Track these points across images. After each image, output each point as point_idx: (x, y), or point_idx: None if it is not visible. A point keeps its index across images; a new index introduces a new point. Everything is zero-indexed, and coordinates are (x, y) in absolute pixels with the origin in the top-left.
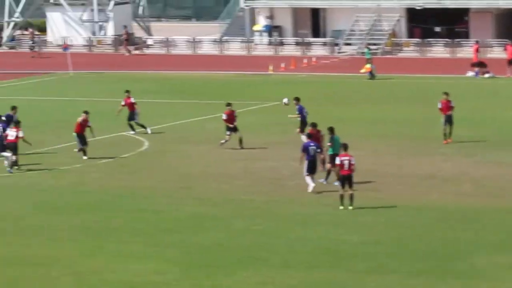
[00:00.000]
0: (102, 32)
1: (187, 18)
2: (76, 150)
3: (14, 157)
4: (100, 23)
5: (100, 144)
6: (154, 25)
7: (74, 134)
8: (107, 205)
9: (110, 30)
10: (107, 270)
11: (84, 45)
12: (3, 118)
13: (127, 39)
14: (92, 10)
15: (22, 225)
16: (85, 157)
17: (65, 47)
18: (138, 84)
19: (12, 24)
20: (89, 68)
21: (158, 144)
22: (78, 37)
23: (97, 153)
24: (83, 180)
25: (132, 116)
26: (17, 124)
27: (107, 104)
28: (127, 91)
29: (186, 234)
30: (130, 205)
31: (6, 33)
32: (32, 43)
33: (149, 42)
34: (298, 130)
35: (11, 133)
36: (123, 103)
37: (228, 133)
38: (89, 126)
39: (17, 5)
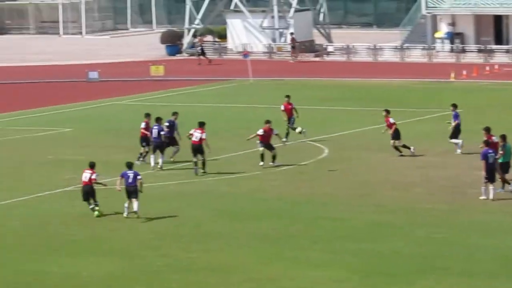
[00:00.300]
0: (282, 39)
1: (368, 25)
2: (272, 163)
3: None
4: (281, 30)
5: (280, 151)
6: (335, 32)
7: (259, 143)
8: (285, 212)
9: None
10: (285, 277)
11: (264, 52)
12: (166, 124)
13: (293, 46)
14: (273, 17)
15: (201, 231)
16: (271, 163)
17: (245, 54)
18: (318, 91)
19: (192, 31)
20: (269, 75)
21: (337, 151)
22: (258, 44)
23: (278, 160)
24: (262, 187)
25: (289, 121)
26: (201, 126)
27: None
28: (287, 96)
29: (364, 241)
30: (308, 213)
31: (186, 40)
32: (201, 50)
33: (330, 49)
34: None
35: (196, 135)
36: (282, 108)
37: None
38: (276, 134)
39: (198, 12)
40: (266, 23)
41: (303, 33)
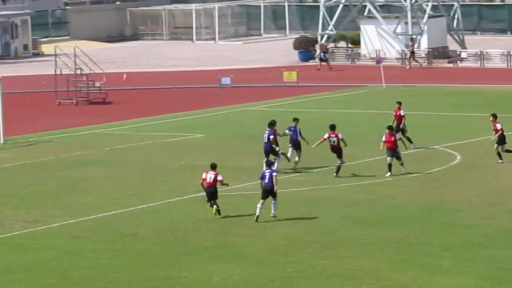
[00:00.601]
0: (416, 45)
1: (502, 31)
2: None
3: (339, 162)
4: (414, 36)
5: (412, 157)
6: (468, 38)
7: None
8: (417, 219)
9: (424, 43)
10: (416, 284)
11: (397, 58)
12: (287, 130)
13: (412, 52)
14: (406, 23)
15: (332, 238)
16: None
17: (378, 60)
18: (450, 97)
19: (325, 37)
20: (402, 81)
21: (470, 158)
22: (391, 50)
23: (409, 166)
24: (394, 193)
25: (397, 128)
26: (334, 129)
27: (419, 117)
28: (399, 103)
29: (497, 249)
30: (440, 219)
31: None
32: (323, 56)
33: (463, 55)
34: None
35: (332, 139)
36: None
37: None
38: (400, 139)
39: (331, 18)
40: (399, 29)
41: (436, 39)
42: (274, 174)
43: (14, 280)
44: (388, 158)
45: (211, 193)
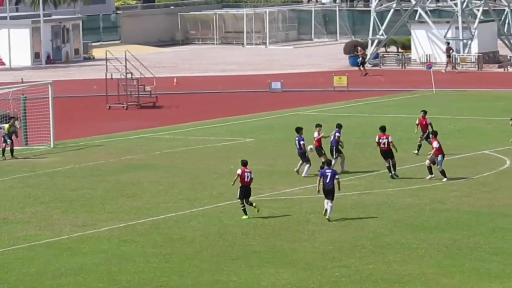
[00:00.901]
0: (466, 50)
1: None
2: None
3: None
4: (465, 41)
5: (461, 162)
6: None
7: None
8: (465, 223)
9: (474, 48)
10: None
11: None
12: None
13: (449, 56)
14: (457, 27)
15: (380, 242)
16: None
17: (429, 65)
18: (500, 102)
19: (376, 41)
20: (452, 86)
21: None
22: (441, 54)
23: (458, 171)
24: (443, 198)
25: (427, 136)
26: (384, 131)
27: (468, 122)
28: (424, 111)
29: None
30: (489, 224)
31: (370, 50)
32: (362, 61)
33: None
34: None
35: (383, 141)
36: (417, 122)
37: None
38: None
39: (382, 23)
40: (450, 34)
41: (487, 44)
42: (337, 177)
43: (63, 284)
44: (427, 162)
45: (247, 192)
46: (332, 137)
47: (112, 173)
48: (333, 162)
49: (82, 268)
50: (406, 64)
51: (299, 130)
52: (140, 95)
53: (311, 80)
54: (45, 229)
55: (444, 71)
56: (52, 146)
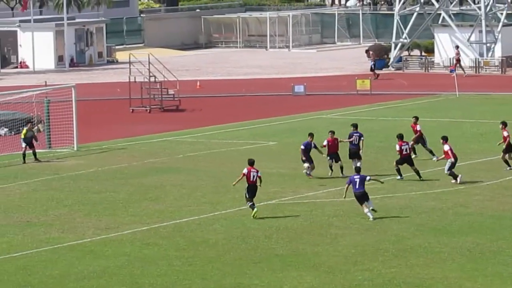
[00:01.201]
0: (490, 54)
1: None
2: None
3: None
4: (488, 45)
5: (485, 166)
6: None
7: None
8: (488, 227)
9: (498, 51)
10: None
11: (471, 66)
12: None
13: (458, 60)
14: (480, 31)
15: (403, 246)
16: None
17: (452, 68)
18: None
19: (399, 45)
20: (476, 90)
21: None
22: (465, 58)
23: (481, 175)
24: (466, 202)
25: (422, 141)
26: (402, 138)
27: (491, 125)
28: (415, 117)
29: None
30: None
31: (393, 54)
32: (374, 65)
33: None
34: None
35: (404, 147)
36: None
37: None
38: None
39: (405, 27)
40: (473, 38)
41: (511, 47)
42: (367, 178)
43: (85, 287)
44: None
45: (254, 191)
46: (349, 140)
47: (135, 176)
48: (358, 164)
49: (105, 271)
50: (429, 68)
51: (310, 135)
52: (163, 99)
53: (334, 84)
54: (68, 232)
55: (464, 75)
56: (75, 149)
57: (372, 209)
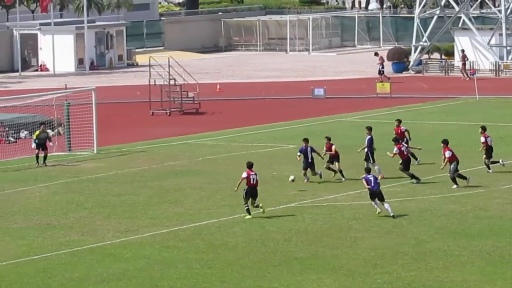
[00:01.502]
0: (510, 57)
1: None
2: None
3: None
4: (508, 48)
5: (504, 168)
6: None
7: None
8: (508, 230)
9: None
10: None
11: (491, 70)
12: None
13: (464, 63)
14: (501, 34)
15: (422, 249)
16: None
17: (473, 72)
18: None
19: (419, 48)
20: (495, 93)
21: None
22: (485, 61)
23: (500, 178)
24: (486, 205)
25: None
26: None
27: (510, 129)
28: (398, 120)
29: None
30: None
31: (413, 57)
32: (381, 69)
33: None
34: None
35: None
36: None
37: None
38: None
39: (425, 30)
40: (493, 41)
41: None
42: (377, 180)
43: None
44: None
45: (254, 193)
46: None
47: (154, 179)
48: (372, 167)
49: (125, 273)
50: (449, 71)
51: (305, 140)
52: (183, 101)
53: (354, 87)
54: (87, 235)
55: (467, 78)
56: (95, 152)
57: (392, 216)
